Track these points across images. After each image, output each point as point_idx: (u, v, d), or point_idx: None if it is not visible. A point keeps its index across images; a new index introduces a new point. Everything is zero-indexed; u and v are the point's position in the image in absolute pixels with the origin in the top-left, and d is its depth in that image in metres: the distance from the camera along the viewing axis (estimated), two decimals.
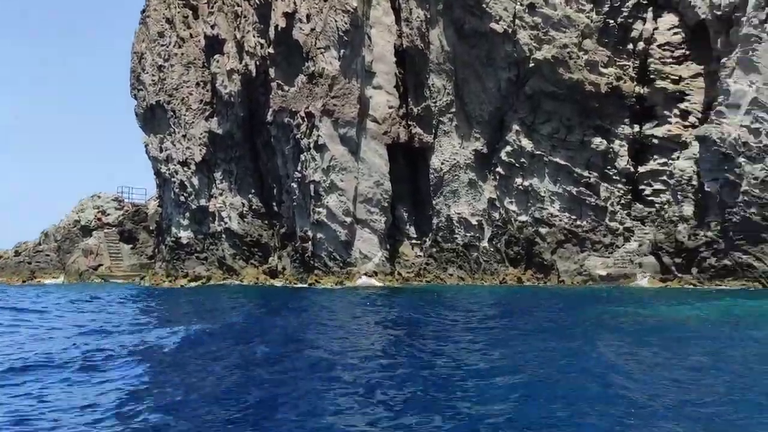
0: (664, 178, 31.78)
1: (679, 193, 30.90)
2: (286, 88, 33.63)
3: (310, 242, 32.84)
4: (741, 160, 28.19)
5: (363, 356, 12.35)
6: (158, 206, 39.92)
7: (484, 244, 33.05)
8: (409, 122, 34.26)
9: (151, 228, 41.77)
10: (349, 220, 32.54)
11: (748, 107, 28.44)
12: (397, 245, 34.11)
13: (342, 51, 32.90)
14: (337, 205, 32.44)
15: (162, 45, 37.56)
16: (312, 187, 32.43)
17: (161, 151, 37.37)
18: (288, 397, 9.32)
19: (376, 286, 30.54)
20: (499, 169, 33.29)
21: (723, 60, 29.57)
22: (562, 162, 32.53)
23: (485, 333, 15.79)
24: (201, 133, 36.31)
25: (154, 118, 37.82)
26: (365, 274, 31.97)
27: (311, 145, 32.57)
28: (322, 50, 32.85)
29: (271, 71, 34.23)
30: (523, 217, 32.95)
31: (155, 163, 37.89)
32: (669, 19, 32.89)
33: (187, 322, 17.61)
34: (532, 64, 32.15)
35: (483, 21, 32.62)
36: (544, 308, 21.08)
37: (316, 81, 32.88)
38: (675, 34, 32.65)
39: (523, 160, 32.91)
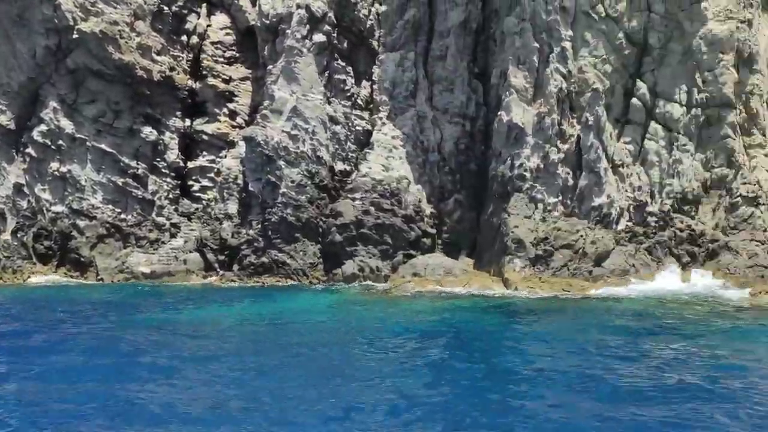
0: (212, 175, 32.24)
1: (225, 191, 31.60)
2: None
3: None
4: (281, 163, 30.30)
5: None
6: None
7: (6, 237, 28.81)
8: None
9: None
10: None
11: (289, 114, 30.74)
12: None
13: None
14: None
15: None
16: None
17: None
18: None
19: None
20: (30, 150, 29.23)
21: (269, 67, 31.38)
22: (108, 149, 30.17)
23: None
24: None
25: None
26: None
27: None
28: None
29: None
30: (59, 208, 29.54)
31: None
32: (222, 18, 33.49)
33: None
34: (75, 35, 29.03)
35: None
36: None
37: None
38: (227, 34, 33.40)
39: (61, 142, 29.42)
